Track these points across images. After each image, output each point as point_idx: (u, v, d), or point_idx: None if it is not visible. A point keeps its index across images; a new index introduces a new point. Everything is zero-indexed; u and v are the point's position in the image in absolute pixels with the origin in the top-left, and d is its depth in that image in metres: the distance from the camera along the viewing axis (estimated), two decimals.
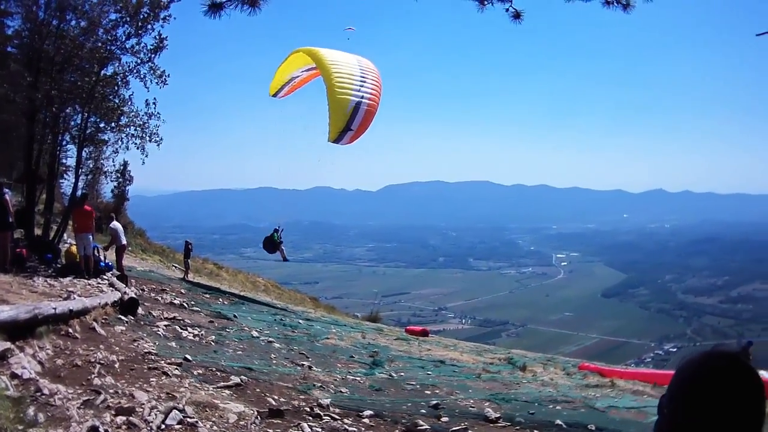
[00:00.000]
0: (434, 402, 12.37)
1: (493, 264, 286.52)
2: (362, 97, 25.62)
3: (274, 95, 30.20)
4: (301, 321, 24.52)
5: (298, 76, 29.56)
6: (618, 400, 16.80)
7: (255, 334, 18.12)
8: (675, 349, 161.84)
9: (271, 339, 17.73)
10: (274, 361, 14.59)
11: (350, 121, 25.40)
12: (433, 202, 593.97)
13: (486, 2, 13.39)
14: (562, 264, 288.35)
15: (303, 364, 14.65)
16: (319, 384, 12.55)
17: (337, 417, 10.10)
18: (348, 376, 14.31)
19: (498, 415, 12.04)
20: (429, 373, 16.87)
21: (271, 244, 34.77)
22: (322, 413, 10.08)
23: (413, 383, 14.65)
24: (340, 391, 12.44)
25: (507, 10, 13.08)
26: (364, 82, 26.12)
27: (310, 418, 9.75)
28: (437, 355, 21.50)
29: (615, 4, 13.47)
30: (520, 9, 13.10)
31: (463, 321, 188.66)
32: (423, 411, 11.66)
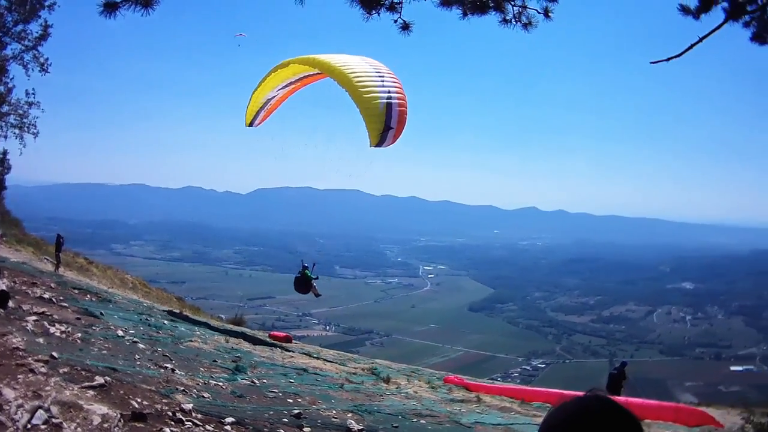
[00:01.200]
0: (296, 411, 12.39)
1: (360, 273, 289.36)
2: (389, 93, 24.69)
3: (250, 124, 28.67)
4: (165, 322, 23.96)
5: (273, 97, 28.23)
6: (484, 416, 17.07)
7: (120, 333, 17.53)
8: (543, 366, 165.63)
9: (136, 339, 17.20)
10: (138, 363, 14.16)
11: (387, 120, 24.43)
12: (302, 207, 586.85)
13: (373, 11, 13.59)
14: (429, 276, 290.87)
15: (166, 367, 14.34)
16: (182, 388, 12.28)
17: (199, 423, 10.05)
18: (210, 381, 14.08)
19: (361, 427, 12.21)
20: (291, 381, 16.81)
21: (304, 284, 33.48)
22: (184, 418, 9.98)
23: (275, 391, 14.58)
24: (203, 396, 12.27)
25: (395, 21, 13.30)
26: (383, 77, 25.27)
27: (173, 423, 9.68)
28: (300, 362, 21.26)
29: (514, 22, 13.82)
30: (410, 21, 13.36)
31: (327, 328, 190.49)
32: (285, 420, 11.70)
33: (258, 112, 28.18)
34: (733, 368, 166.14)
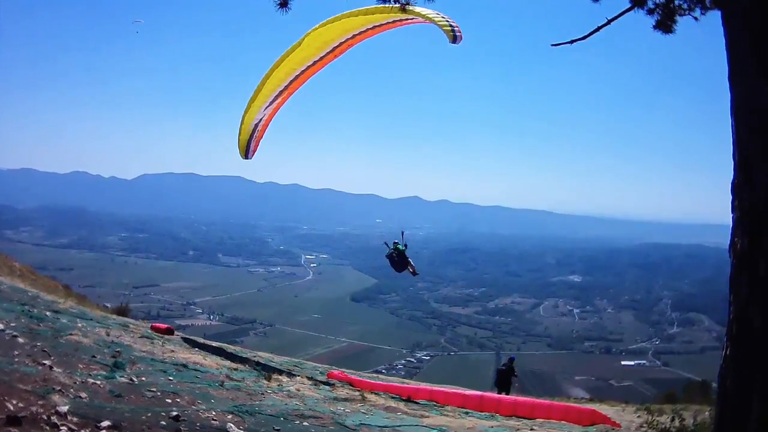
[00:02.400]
0: (175, 413, 11.76)
1: (242, 261, 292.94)
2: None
3: (246, 156, 26.87)
4: (48, 313, 22.43)
5: (261, 119, 25.92)
6: (369, 417, 16.59)
7: (1, 326, 16.33)
8: (428, 357, 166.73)
9: (15, 333, 16.08)
10: (17, 359, 13.29)
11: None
12: (186, 194, 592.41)
13: None
14: (312, 265, 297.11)
15: (45, 363, 13.39)
16: (59, 387, 11.50)
17: (74, 427, 9.40)
18: (89, 379, 13.19)
19: (241, 431, 11.80)
20: (171, 378, 16.04)
21: (402, 261, 30.73)
22: (59, 422, 9.31)
23: (154, 390, 13.84)
24: (80, 397, 11.50)
25: None
26: None
27: (47, 427, 9.10)
28: (181, 357, 20.46)
29: None
30: None
31: (212, 317, 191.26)
32: (163, 423, 11.10)
33: (249, 141, 26.48)
34: (624, 363, 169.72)
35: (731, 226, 6.94)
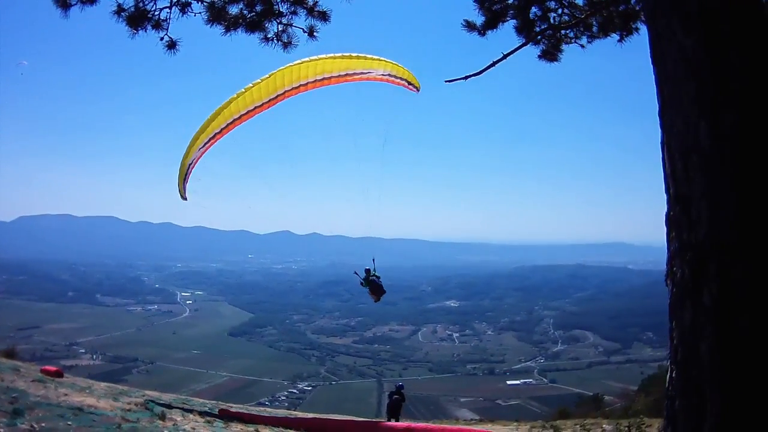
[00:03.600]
0: None
1: (120, 300, 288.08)
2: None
3: (184, 197, 25.30)
4: None
5: (194, 159, 24.71)
6: None
7: None
8: (310, 388, 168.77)
9: None
10: None
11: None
12: (63, 235, 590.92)
13: (139, 29, 13.25)
14: (188, 302, 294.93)
15: None
16: None
17: None
18: None
19: None
20: (69, 423, 15.15)
21: (378, 287, 28.94)
22: None
23: None
24: None
25: (162, 39, 13.10)
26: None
27: None
28: (75, 401, 19.79)
29: (276, 41, 13.67)
30: (176, 38, 13.10)
31: (95, 357, 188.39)
32: None
33: (185, 182, 25.02)
34: (509, 382, 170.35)
35: (667, 255, 7.11)
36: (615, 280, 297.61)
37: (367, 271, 28.54)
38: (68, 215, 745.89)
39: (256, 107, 23.22)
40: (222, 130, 23.92)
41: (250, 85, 22.35)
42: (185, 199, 25.29)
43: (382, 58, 22.78)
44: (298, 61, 21.37)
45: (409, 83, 23.68)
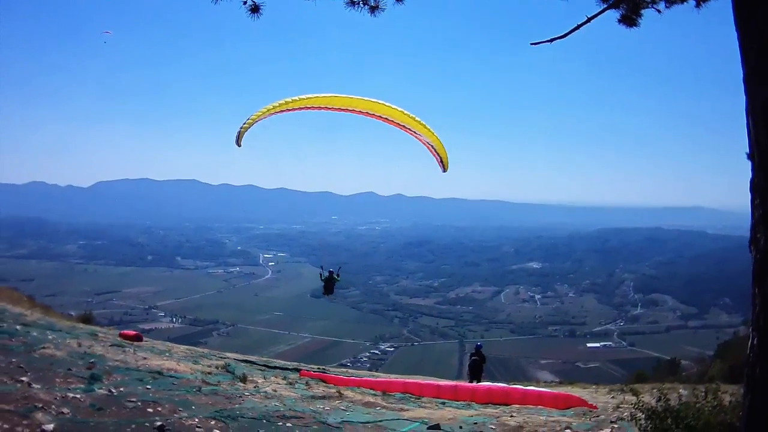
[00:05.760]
0: (159, 423, 11.43)
1: (200, 263, 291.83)
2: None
3: (238, 143, 28.60)
4: (18, 327, 21.78)
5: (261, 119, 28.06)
6: (350, 413, 16.38)
7: None
8: (392, 349, 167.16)
9: None
10: None
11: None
12: (141, 199, 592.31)
13: None
14: (270, 264, 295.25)
15: (23, 380, 12.98)
16: (41, 405, 11.14)
17: None
18: (68, 394, 12.67)
19: None
20: (149, 387, 15.54)
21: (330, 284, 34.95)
22: None
23: (134, 400, 13.34)
24: (62, 413, 11.10)
25: (245, 2, 12.96)
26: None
27: None
28: (154, 364, 19.93)
29: (361, 5, 13.40)
30: (259, 2, 12.99)
31: (174, 320, 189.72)
32: None
33: (245, 131, 28.12)
34: (590, 345, 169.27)
35: (751, 222, 7.00)
36: (692, 244, 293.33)
37: (330, 272, 35.12)
38: (147, 179, 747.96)
39: (328, 108, 27.64)
40: (293, 111, 27.53)
41: (332, 95, 27.36)
42: (239, 145, 28.05)
43: (433, 132, 28.54)
44: (376, 100, 27.65)
45: (441, 162, 30.04)
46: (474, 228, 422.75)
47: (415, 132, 28.87)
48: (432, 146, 29.28)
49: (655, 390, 21.38)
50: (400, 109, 28.08)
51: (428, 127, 28.42)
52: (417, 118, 28.27)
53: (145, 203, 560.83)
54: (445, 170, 30.55)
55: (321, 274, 34.90)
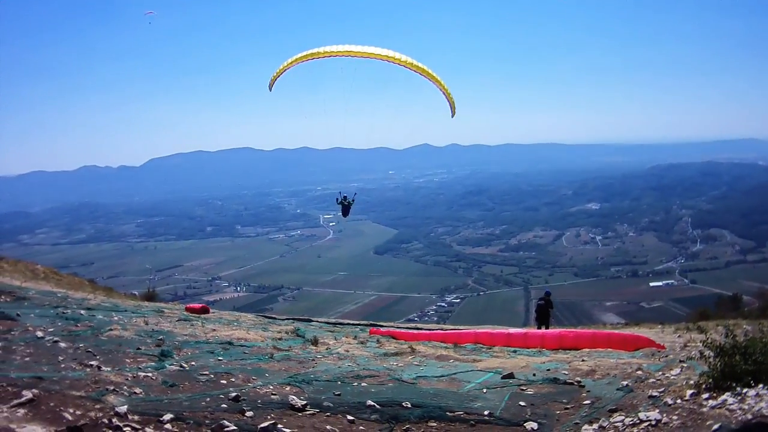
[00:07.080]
0: (233, 394, 11.56)
1: (261, 229, 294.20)
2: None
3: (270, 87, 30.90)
4: (82, 312, 22.34)
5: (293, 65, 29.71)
6: (424, 368, 16.57)
7: (40, 334, 15.95)
8: (458, 300, 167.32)
9: (56, 338, 15.56)
10: (63, 365, 12.81)
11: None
12: (196, 172, 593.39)
13: None
14: (331, 224, 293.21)
15: (92, 365, 13.05)
16: (112, 387, 11.16)
17: (137, 426, 9.02)
18: (139, 373, 12.82)
19: (304, 402, 11.47)
20: (220, 358, 15.93)
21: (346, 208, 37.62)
22: (121, 424, 8.92)
23: (206, 373, 13.65)
24: (135, 393, 11.20)
25: None
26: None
27: (110, 431, 9.04)
28: (223, 335, 20.75)
29: None
30: None
31: (239, 289, 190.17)
32: (224, 406, 10.88)
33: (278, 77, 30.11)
34: (652, 284, 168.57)
35: None
36: (745, 176, 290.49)
37: (345, 197, 37.81)
38: (201, 151, 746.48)
39: (349, 52, 28.41)
40: (320, 58, 28.64)
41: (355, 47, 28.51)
42: (271, 89, 30.16)
43: (440, 79, 29.75)
44: (395, 54, 28.62)
45: (451, 106, 31.39)
46: (530, 173, 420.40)
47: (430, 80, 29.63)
48: (444, 94, 30.39)
49: (720, 327, 21.27)
50: (411, 59, 28.87)
51: (435, 74, 29.32)
52: (422, 65, 29.01)
53: (200, 175, 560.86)
54: (453, 115, 31.86)
55: (337, 199, 37.62)
